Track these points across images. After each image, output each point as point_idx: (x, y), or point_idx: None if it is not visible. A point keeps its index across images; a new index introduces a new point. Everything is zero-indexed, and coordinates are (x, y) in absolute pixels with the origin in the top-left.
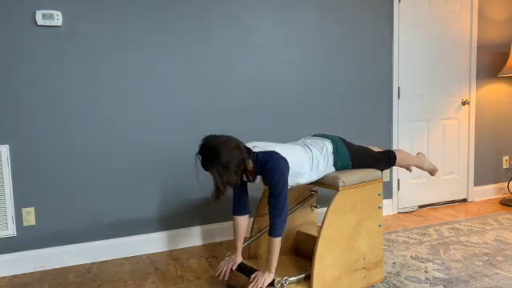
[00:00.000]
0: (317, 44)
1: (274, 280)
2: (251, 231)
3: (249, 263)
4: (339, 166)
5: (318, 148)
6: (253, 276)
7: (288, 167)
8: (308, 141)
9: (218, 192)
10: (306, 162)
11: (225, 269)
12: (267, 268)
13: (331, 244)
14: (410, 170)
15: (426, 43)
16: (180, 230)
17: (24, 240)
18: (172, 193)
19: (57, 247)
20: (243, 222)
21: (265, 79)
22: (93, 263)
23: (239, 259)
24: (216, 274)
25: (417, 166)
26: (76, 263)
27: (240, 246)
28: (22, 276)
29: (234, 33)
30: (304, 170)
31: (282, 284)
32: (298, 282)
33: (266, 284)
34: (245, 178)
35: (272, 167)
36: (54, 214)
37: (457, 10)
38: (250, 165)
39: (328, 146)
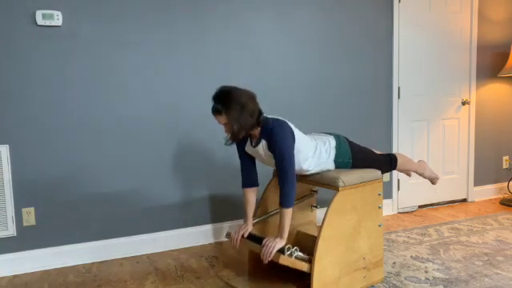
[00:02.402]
0: (317, 44)
1: (284, 246)
2: (257, 207)
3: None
4: (340, 162)
5: (321, 141)
6: (264, 241)
7: (293, 137)
8: (313, 134)
9: (232, 135)
10: (311, 147)
11: (235, 237)
12: (279, 234)
13: (331, 244)
14: (410, 175)
15: (426, 43)
16: (180, 229)
17: (24, 240)
18: (172, 193)
19: (57, 247)
20: (253, 193)
21: (265, 79)
22: (93, 263)
23: (250, 227)
24: (230, 242)
25: (417, 173)
26: (76, 263)
27: (251, 215)
28: (22, 276)
29: (233, 33)
30: (307, 154)
31: (291, 252)
32: (302, 258)
33: (276, 249)
34: (248, 147)
35: (278, 133)
36: (54, 214)
37: (457, 11)
38: (257, 128)
39: (331, 141)
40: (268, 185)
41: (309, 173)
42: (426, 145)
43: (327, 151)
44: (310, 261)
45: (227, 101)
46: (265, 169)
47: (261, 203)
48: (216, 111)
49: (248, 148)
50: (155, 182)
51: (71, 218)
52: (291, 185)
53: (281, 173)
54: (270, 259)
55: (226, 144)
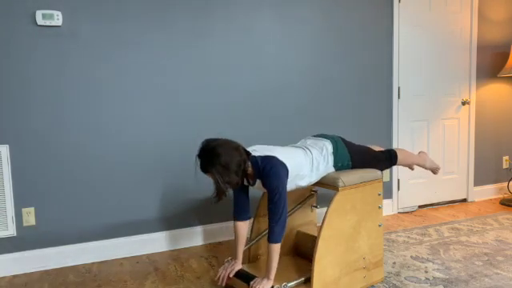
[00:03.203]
0: (317, 44)
1: (272, 287)
2: (251, 232)
3: (248, 268)
4: (339, 166)
5: (317, 149)
6: (251, 283)
7: (287, 172)
8: (308, 142)
9: (219, 193)
10: (306, 164)
11: (223, 274)
12: (266, 275)
13: (331, 244)
14: (412, 169)
15: (426, 43)
16: (180, 229)
17: (24, 240)
18: (172, 193)
19: (57, 247)
20: (244, 227)
21: (265, 79)
22: (93, 263)
23: (238, 266)
24: (216, 279)
25: (419, 165)
26: (76, 263)
27: (240, 252)
28: (22, 276)
29: (234, 33)
30: (304, 173)
31: None
32: (296, 286)
33: None
34: (245, 182)
35: (270, 172)
36: (54, 213)
37: (457, 11)
38: (250, 168)
39: (328, 146)
40: (263, 194)
41: (310, 185)
42: (426, 145)
43: (325, 159)
44: (308, 280)
45: (211, 161)
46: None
47: (256, 213)
48: (202, 170)
49: (246, 184)
50: (155, 182)
51: (71, 217)
52: (282, 221)
53: (273, 208)
54: None
55: (213, 202)
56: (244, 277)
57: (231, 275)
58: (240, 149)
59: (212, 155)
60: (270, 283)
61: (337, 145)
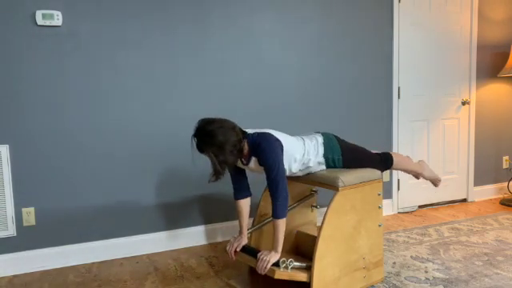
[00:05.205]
0: (317, 44)
1: (279, 260)
2: (250, 236)
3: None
4: (330, 158)
5: (309, 139)
6: (259, 255)
7: (282, 147)
8: (301, 135)
9: (215, 172)
10: (299, 147)
11: (230, 250)
12: (273, 247)
13: (331, 244)
14: (418, 178)
15: (426, 43)
16: (180, 229)
17: (24, 240)
18: (172, 193)
19: (57, 247)
20: (245, 204)
21: (265, 79)
22: (93, 263)
23: (244, 241)
24: (229, 253)
25: (417, 173)
26: (76, 263)
27: (245, 227)
28: (22, 276)
29: (234, 33)
30: (296, 154)
31: (286, 265)
32: (300, 268)
33: (271, 263)
34: (240, 164)
35: (266, 147)
36: (54, 213)
37: (457, 10)
38: (246, 147)
39: (318, 138)
40: (263, 193)
41: (300, 173)
42: (426, 145)
43: (315, 148)
44: (309, 267)
45: (206, 141)
46: (259, 177)
47: (257, 212)
48: (198, 150)
49: (240, 165)
50: (155, 182)
51: (71, 217)
52: (283, 196)
53: (272, 184)
54: (265, 273)
55: (209, 181)
56: (250, 251)
57: (238, 249)
58: (236, 128)
59: (207, 135)
60: (277, 255)
61: (328, 137)
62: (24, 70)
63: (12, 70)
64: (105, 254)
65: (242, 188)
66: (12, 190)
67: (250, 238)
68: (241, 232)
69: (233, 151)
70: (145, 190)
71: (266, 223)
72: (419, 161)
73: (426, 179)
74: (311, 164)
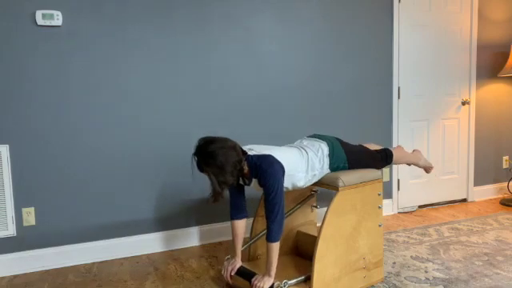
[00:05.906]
0: (317, 44)
1: (273, 284)
2: (251, 232)
3: (248, 266)
4: (335, 167)
5: (313, 150)
6: (252, 280)
7: (283, 170)
8: (304, 142)
9: (215, 193)
10: (302, 164)
11: (225, 274)
12: (267, 272)
13: (331, 244)
14: (409, 164)
15: (426, 43)
16: (180, 230)
17: (24, 240)
18: (172, 193)
19: (57, 247)
20: (241, 225)
21: (265, 79)
22: (93, 263)
23: (238, 263)
24: (225, 278)
25: (413, 164)
26: (76, 263)
27: (239, 249)
28: (22, 276)
29: (234, 33)
30: (300, 173)
31: (281, 287)
32: (297, 284)
33: None
34: (241, 181)
35: (266, 170)
36: (54, 213)
37: (457, 11)
38: (246, 167)
39: (324, 148)
40: (258, 208)
41: (305, 187)
42: (426, 145)
43: (320, 161)
44: (308, 278)
45: (206, 161)
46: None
47: (253, 226)
48: (198, 169)
49: (242, 184)
50: (155, 183)
51: (71, 217)
52: (279, 219)
53: (270, 206)
54: None
55: (208, 202)
56: (245, 274)
57: (233, 273)
58: (237, 148)
59: (208, 155)
60: (271, 280)
61: (333, 146)
62: (24, 70)
63: (12, 69)
64: (105, 254)
65: (239, 208)
66: (12, 190)
67: (247, 249)
68: (235, 255)
69: (233, 172)
70: (145, 190)
71: (260, 237)
72: (414, 150)
73: (420, 167)
74: (317, 178)
